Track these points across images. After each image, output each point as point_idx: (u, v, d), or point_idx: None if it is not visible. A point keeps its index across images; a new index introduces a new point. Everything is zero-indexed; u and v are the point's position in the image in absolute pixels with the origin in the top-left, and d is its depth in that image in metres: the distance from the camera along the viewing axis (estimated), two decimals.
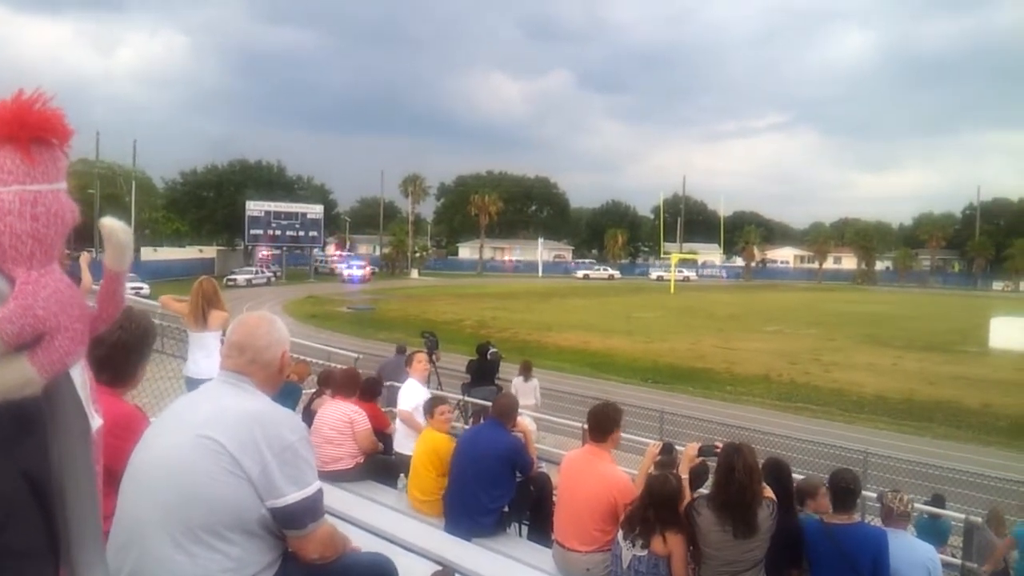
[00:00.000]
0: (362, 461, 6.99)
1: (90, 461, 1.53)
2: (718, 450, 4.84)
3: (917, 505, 8.13)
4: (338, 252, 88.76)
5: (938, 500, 10.21)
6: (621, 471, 5.32)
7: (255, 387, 2.54)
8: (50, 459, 1.50)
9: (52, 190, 1.43)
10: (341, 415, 7.00)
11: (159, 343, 9.32)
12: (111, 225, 1.64)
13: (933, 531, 8.56)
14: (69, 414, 1.50)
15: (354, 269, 74.76)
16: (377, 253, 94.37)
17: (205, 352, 6.83)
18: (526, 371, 15.67)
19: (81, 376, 1.53)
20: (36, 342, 1.41)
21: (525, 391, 15.11)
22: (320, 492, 2.44)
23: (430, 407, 6.73)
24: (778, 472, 5.13)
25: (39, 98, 1.38)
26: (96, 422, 1.60)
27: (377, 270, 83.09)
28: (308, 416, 8.12)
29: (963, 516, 6.87)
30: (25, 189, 1.38)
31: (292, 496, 2.34)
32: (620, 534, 4.76)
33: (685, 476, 4.97)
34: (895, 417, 21.87)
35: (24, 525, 1.63)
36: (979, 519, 6.95)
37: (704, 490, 5.10)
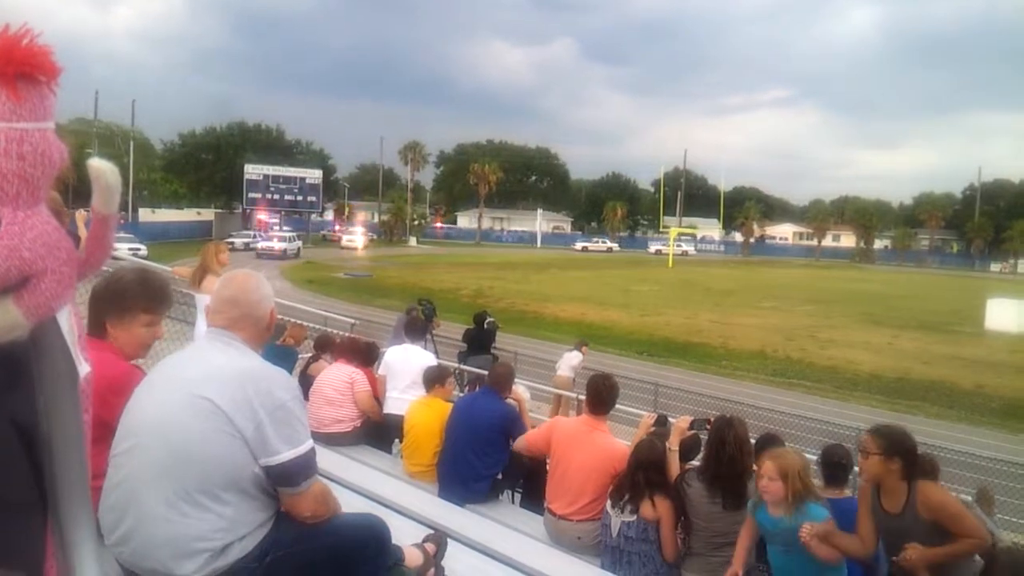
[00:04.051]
0: (359, 425, 7.02)
1: (78, 409, 1.51)
2: (710, 424, 4.88)
3: None
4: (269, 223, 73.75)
5: None
6: (620, 443, 5.34)
7: (244, 344, 2.52)
8: (37, 407, 1.47)
9: (40, 129, 1.38)
10: (344, 376, 7.07)
11: None
12: (99, 166, 1.60)
13: None
14: (56, 360, 1.47)
15: (273, 242, 60.48)
16: (376, 220, 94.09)
17: (201, 315, 6.95)
18: (578, 346, 16.32)
19: (68, 321, 1.50)
20: (21, 285, 1.38)
21: (568, 360, 15.69)
22: (313, 451, 2.44)
23: (442, 376, 6.73)
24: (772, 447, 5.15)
25: (26, 33, 1.33)
26: (84, 369, 1.57)
27: (302, 241, 67.64)
28: (304, 379, 8.15)
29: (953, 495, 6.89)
30: (11, 127, 1.34)
31: (286, 454, 2.34)
32: (609, 503, 4.79)
33: (675, 448, 5.00)
34: (889, 396, 21.94)
35: (14, 476, 1.61)
36: (968, 498, 6.99)
37: (696, 462, 5.13)
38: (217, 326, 2.56)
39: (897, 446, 4.03)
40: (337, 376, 7.12)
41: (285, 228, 71.38)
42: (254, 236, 66.78)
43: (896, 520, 4.01)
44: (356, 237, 76.68)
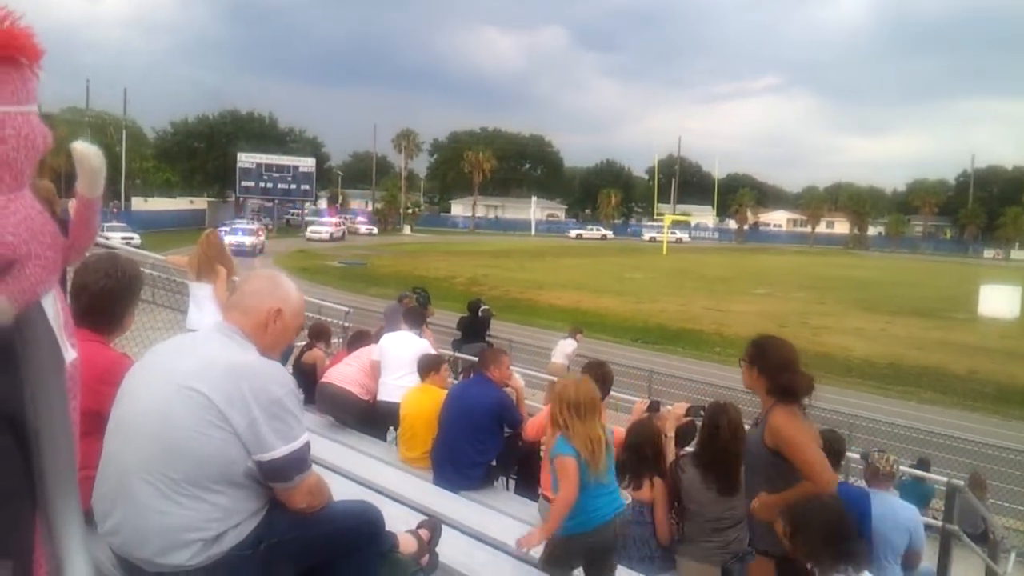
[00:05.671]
0: (365, 400, 7.15)
1: (64, 395, 1.49)
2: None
3: (902, 467, 8.21)
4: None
5: (923, 464, 10.33)
6: (616, 429, 5.33)
7: (247, 340, 2.49)
8: (24, 394, 1.45)
9: (22, 112, 1.36)
10: (373, 357, 7.43)
11: (151, 294, 9.33)
12: (83, 150, 1.58)
13: (916, 493, 8.66)
14: (42, 346, 1.45)
15: (240, 235, 50.62)
16: (370, 208, 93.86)
17: (196, 304, 6.97)
18: (573, 333, 16.41)
19: (54, 307, 1.47)
20: (6, 270, 1.35)
21: (562, 347, 15.76)
22: (307, 445, 2.42)
23: (436, 364, 6.73)
24: None
25: (6, 16, 1.31)
26: (70, 354, 1.55)
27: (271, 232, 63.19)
28: (299, 368, 8.15)
29: (945, 479, 6.92)
30: None
31: (279, 451, 2.32)
32: None
33: (671, 435, 5.00)
34: (882, 381, 22.02)
35: (2, 464, 1.59)
36: (961, 482, 7.02)
37: (690, 448, 5.13)
38: (227, 321, 2.55)
39: (760, 357, 3.87)
40: (365, 356, 7.49)
41: (253, 221, 64.93)
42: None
43: (751, 435, 3.89)
44: (322, 228, 68.44)
